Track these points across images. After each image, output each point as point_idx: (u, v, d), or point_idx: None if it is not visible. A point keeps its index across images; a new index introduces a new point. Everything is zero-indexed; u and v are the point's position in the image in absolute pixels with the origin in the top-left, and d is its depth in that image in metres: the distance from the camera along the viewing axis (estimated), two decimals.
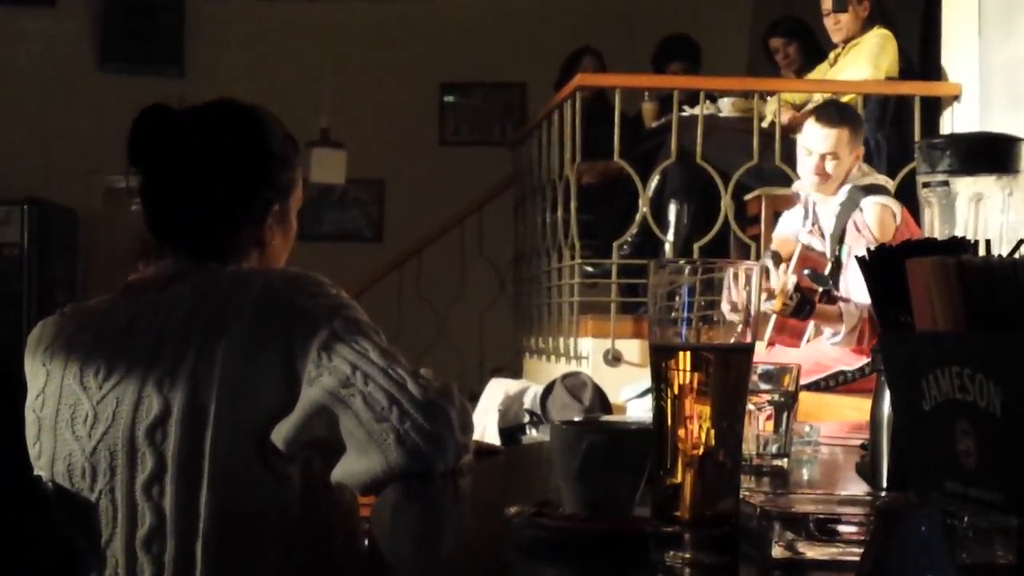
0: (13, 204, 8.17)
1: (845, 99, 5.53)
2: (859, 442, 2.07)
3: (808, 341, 4.71)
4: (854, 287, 4.37)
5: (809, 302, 4.37)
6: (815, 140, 4.57)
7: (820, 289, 4.39)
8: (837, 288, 4.52)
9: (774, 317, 4.61)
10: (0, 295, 7.87)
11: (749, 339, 1.18)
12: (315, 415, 1.75)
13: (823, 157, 4.52)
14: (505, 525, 1.31)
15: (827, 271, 4.56)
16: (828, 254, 4.63)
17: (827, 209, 4.61)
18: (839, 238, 4.53)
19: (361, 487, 1.77)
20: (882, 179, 4.68)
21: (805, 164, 4.61)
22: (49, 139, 8.66)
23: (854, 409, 3.71)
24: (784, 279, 4.34)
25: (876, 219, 4.42)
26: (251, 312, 1.80)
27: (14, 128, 8.63)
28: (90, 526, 1.67)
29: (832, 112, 4.74)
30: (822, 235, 4.65)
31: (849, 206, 4.50)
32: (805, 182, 4.65)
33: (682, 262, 1.20)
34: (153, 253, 1.99)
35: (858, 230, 4.43)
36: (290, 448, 1.77)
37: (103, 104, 8.41)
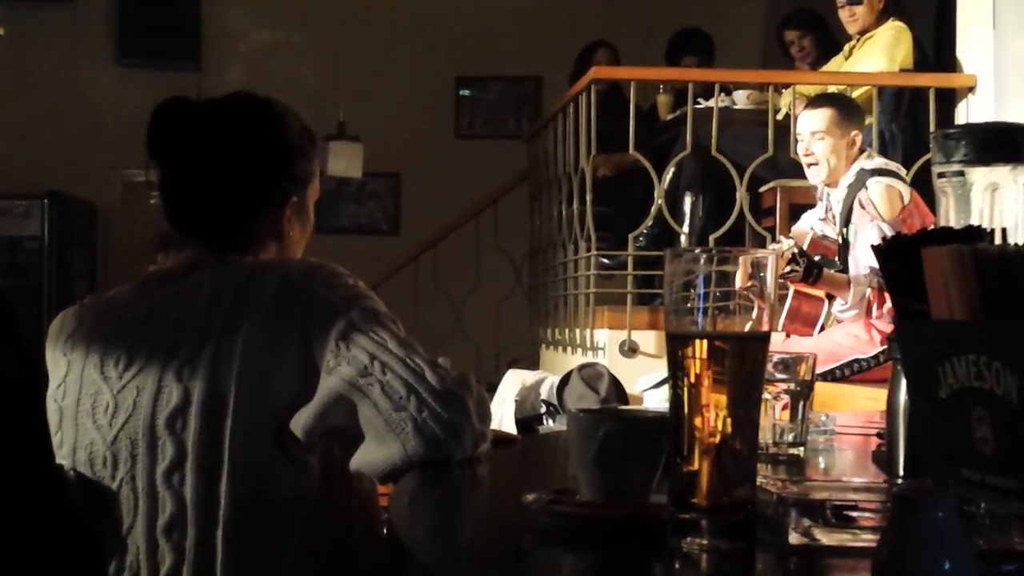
0: (34, 198, 8.20)
1: (860, 91, 5.53)
2: (875, 431, 2.07)
3: (822, 329, 4.72)
4: (862, 260, 4.40)
5: (816, 266, 4.42)
6: (802, 123, 4.74)
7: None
8: (846, 269, 4.56)
9: (787, 305, 4.63)
10: (21, 288, 7.89)
11: (765, 327, 1.19)
12: (333, 404, 1.76)
13: (811, 136, 4.61)
14: (523, 512, 1.32)
15: (837, 256, 4.61)
16: (836, 236, 4.67)
17: (837, 194, 4.66)
18: (846, 218, 4.57)
19: (380, 475, 1.78)
20: (893, 165, 4.71)
21: (800, 151, 4.73)
22: (68, 134, 8.67)
23: (870, 399, 3.71)
24: (783, 246, 4.40)
25: (881, 196, 4.45)
26: (269, 302, 1.81)
27: (34, 123, 8.65)
28: (111, 514, 1.68)
29: (819, 97, 4.91)
30: (835, 221, 4.69)
31: (856, 186, 4.56)
32: (806, 172, 4.73)
33: (698, 250, 1.20)
34: (172, 245, 2.00)
35: (863, 207, 4.46)
36: (309, 437, 1.78)
37: (121, 99, 8.44)
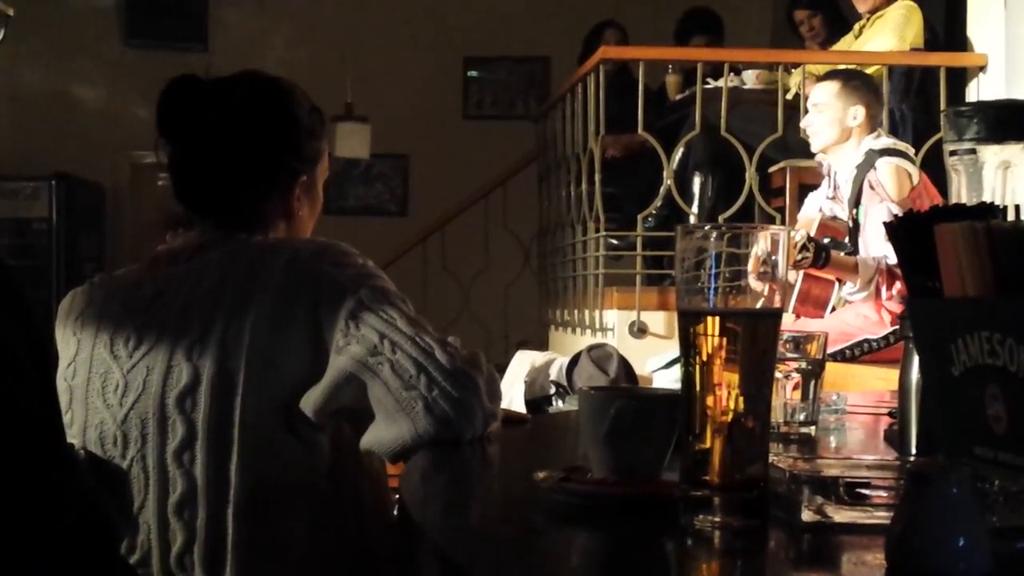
0: (41, 180, 8.23)
1: (870, 70, 5.51)
2: (887, 411, 2.07)
3: (832, 311, 4.71)
4: (872, 242, 4.40)
5: (825, 249, 4.42)
6: (810, 97, 4.79)
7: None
8: (856, 250, 4.56)
9: (797, 287, 4.63)
10: (29, 269, 7.92)
11: (777, 304, 1.18)
12: (343, 383, 1.76)
13: (813, 108, 4.67)
14: (534, 490, 1.32)
15: (846, 236, 4.61)
16: (846, 217, 4.66)
17: (845, 173, 4.65)
18: (855, 200, 4.56)
19: (390, 455, 1.78)
20: (902, 145, 4.70)
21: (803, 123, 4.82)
22: (76, 115, 8.68)
23: (880, 379, 3.71)
24: (792, 236, 4.40)
25: (890, 176, 4.45)
26: (278, 281, 1.81)
27: (42, 104, 8.67)
28: (122, 493, 1.68)
29: (830, 72, 4.91)
30: (844, 201, 4.68)
31: (864, 167, 4.55)
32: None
33: (709, 227, 1.19)
34: (180, 224, 2.00)
35: (872, 188, 4.46)
36: (319, 416, 1.78)
37: (129, 80, 8.45)
